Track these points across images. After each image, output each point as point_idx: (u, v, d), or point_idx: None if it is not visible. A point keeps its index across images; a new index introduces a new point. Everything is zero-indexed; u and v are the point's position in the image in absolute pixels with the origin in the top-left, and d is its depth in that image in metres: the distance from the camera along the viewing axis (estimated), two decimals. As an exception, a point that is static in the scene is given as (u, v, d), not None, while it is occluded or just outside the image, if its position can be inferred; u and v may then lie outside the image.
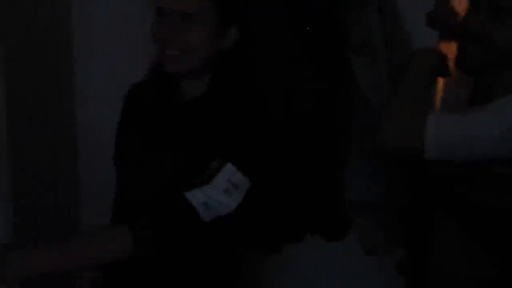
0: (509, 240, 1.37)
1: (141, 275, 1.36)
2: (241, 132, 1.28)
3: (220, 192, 1.24)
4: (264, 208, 1.59)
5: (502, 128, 1.27)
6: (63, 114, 2.17)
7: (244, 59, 1.37)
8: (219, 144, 1.26)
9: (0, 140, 1.85)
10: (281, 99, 1.52)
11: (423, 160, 1.33)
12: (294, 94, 1.57)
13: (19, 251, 1.21)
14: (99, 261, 1.23)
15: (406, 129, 1.31)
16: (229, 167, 1.24)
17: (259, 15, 1.55)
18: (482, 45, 1.34)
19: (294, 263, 1.75)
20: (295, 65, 1.56)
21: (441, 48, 1.61)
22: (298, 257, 1.75)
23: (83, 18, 2.22)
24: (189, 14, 1.23)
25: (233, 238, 1.43)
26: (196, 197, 1.23)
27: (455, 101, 1.50)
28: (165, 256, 1.26)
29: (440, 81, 1.57)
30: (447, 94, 1.60)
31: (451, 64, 1.44)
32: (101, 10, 2.21)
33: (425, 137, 1.28)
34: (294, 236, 1.73)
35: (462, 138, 1.29)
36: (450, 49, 1.51)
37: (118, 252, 1.22)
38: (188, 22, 1.24)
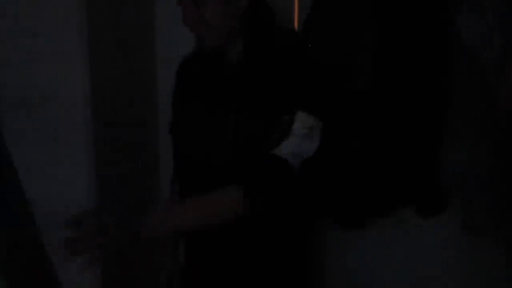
0: None
1: (217, 247, 1.43)
2: (297, 80, 1.35)
3: (302, 139, 1.32)
4: (349, 173, 1.53)
5: None
6: (145, 79, 2.11)
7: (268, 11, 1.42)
8: (279, 98, 1.33)
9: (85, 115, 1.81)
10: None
11: None
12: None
13: (150, 212, 1.31)
14: (217, 218, 1.33)
15: None
16: (300, 115, 1.32)
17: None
18: None
19: (381, 237, 1.59)
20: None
21: None
22: (386, 232, 1.59)
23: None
24: None
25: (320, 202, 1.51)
26: (285, 149, 1.31)
27: None
28: (271, 212, 1.33)
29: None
30: None
31: None
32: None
33: None
34: (382, 209, 1.58)
35: None
36: None
37: (232, 210, 1.32)
38: (199, 5, 1.35)
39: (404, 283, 1.65)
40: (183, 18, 1.38)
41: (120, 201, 1.88)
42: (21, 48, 1.75)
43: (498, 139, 1.43)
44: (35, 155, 1.72)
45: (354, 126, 1.52)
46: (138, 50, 2.10)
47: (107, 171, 1.85)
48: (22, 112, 1.74)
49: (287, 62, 1.38)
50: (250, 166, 1.32)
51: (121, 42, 1.93)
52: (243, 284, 1.44)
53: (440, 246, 1.55)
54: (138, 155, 2.06)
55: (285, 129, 1.32)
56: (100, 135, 1.80)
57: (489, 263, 1.52)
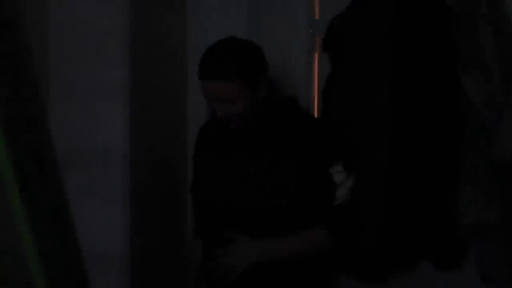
0: None
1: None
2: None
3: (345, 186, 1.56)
4: (372, 226, 1.61)
5: None
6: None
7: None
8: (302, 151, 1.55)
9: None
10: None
11: None
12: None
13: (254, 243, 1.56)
14: (304, 253, 1.57)
15: None
16: (336, 167, 1.55)
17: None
18: None
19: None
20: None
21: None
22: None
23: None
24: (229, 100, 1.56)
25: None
26: (343, 195, 1.55)
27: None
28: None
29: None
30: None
31: None
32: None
33: None
34: (403, 263, 1.63)
35: None
36: None
37: (319, 248, 1.57)
38: (231, 103, 1.56)
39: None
40: (215, 111, 1.57)
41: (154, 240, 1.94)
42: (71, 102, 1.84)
43: (507, 190, 1.50)
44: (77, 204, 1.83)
45: (374, 180, 1.61)
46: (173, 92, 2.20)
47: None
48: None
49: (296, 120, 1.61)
50: (329, 213, 1.56)
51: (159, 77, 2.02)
52: None
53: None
54: (173, 205, 2.14)
55: (338, 178, 1.54)
56: (136, 188, 1.90)
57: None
